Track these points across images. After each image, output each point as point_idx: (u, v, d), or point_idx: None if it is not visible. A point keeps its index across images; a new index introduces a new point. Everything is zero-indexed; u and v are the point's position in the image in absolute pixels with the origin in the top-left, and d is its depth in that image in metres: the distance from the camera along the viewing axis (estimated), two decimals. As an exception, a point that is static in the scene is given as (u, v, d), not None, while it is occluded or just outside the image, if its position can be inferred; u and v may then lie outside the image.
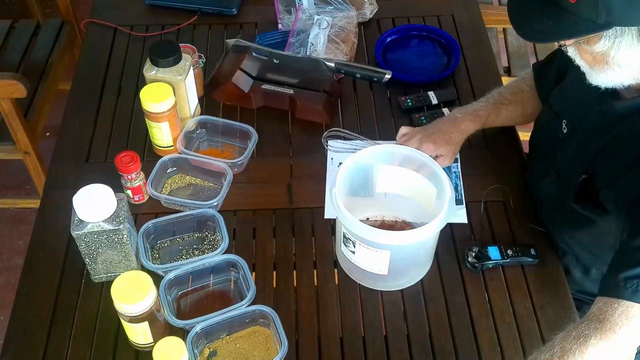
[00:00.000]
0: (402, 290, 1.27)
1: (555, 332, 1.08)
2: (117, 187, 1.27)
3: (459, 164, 1.46)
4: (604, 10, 0.93)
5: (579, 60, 1.07)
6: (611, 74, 1.04)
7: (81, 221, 1.15)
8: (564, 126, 1.27)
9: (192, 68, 1.46)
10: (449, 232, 1.34)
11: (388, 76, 1.54)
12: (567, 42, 1.02)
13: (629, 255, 1.05)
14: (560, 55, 1.36)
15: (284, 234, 1.35)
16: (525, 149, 1.52)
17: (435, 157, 1.36)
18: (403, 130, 1.45)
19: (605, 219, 1.15)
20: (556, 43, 1.06)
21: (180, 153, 1.43)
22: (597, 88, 1.11)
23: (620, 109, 1.12)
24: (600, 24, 0.95)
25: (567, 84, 1.30)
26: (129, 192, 1.35)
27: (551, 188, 1.29)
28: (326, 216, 1.37)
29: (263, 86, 1.56)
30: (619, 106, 1.12)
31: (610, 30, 0.96)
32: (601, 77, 1.07)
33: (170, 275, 1.22)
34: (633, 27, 0.96)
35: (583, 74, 1.11)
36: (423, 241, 1.17)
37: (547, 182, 1.31)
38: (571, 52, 1.07)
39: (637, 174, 1.08)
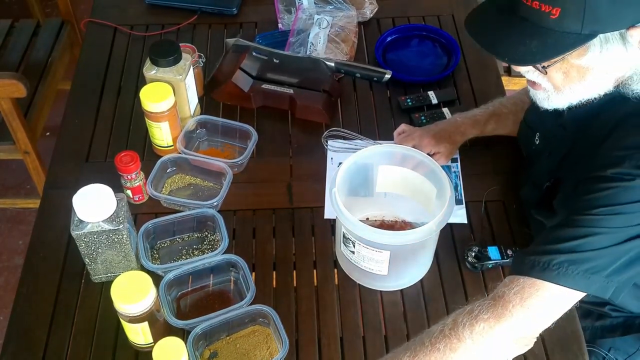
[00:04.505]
0: (402, 290, 1.27)
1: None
2: (117, 187, 1.28)
3: (458, 163, 1.46)
4: (590, 18, 0.93)
5: (545, 84, 1.07)
6: (578, 89, 1.04)
7: (81, 221, 1.15)
8: (536, 138, 1.28)
9: (192, 68, 1.46)
10: (449, 232, 1.34)
11: (388, 76, 1.54)
12: (554, 59, 1.00)
13: (538, 239, 1.05)
14: None
15: (284, 234, 1.35)
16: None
17: (432, 155, 1.37)
18: (402, 127, 1.45)
19: (552, 220, 1.14)
20: (532, 66, 1.04)
21: (180, 153, 1.43)
22: None
23: (571, 118, 1.13)
24: (585, 35, 0.95)
25: None
26: (129, 192, 1.35)
27: (527, 197, 1.31)
28: (326, 216, 1.37)
29: (263, 86, 1.56)
30: (570, 115, 1.13)
31: (596, 39, 0.96)
32: (564, 98, 1.06)
33: (170, 275, 1.22)
34: (615, 32, 0.96)
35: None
36: (423, 241, 1.17)
37: (524, 191, 1.33)
38: (535, 76, 1.07)
39: (576, 175, 1.08)
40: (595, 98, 1.07)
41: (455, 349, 1.00)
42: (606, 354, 1.30)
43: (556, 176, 1.18)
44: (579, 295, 1.01)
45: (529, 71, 1.07)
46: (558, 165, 1.18)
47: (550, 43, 0.96)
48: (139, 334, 1.13)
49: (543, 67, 1.03)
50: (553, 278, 0.99)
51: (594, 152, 1.06)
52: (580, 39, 0.95)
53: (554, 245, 1.00)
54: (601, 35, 0.96)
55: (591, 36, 0.95)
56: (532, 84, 1.10)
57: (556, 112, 1.15)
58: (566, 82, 1.04)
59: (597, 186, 1.00)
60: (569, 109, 1.11)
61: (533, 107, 1.31)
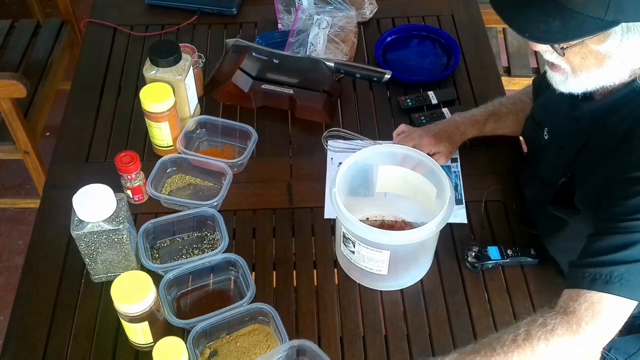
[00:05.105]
0: (402, 290, 1.27)
1: (523, 316, 1.08)
2: (117, 187, 1.28)
3: (458, 163, 1.46)
4: (615, 6, 0.93)
5: (564, 65, 1.07)
6: (595, 75, 1.05)
7: (81, 221, 1.15)
8: (545, 133, 1.28)
9: (191, 68, 1.46)
10: (449, 232, 1.34)
11: (388, 76, 1.54)
12: (573, 42, 1.01)
13: (589, 247, 1.06)
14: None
15: (284, 233, 1.35)
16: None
17: (432, 155, 1.37)
18: (402, 127, 1.45)
19: (576, 219, 1.16)
20: (550, 46, 1.05)
21: (180, 153, 1.43)
22: (567, 96, 1.12)
23: (588, 111, 1.13)
24: (608, 21, 0.95)
25: (547, 93, 1.31)
26: (129, 192, 1.35)
27: (534, 194, 1.31)
28: (326, 216, 1.37)
29: (263, 86, 1.56)
30: (587, 107, 1.13)
31: (617, 27, 0.97)
32: (581, 83, 1.07)
33: (170, 274, 1.22)
34: (638, 23, 0.96)
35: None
36: (423, 241, 1.17)
37: (530, 188, 1.33)
38: (553, 57, 1.07)
39: (601, 172, 1.09)
40: (611, 87, 1.07)
41: None
42: (606, 354, 1.31)
43: (571, 171, 1.17)
44: (634, 304, 1.02)
45: (547, 51, 1.07)
46: (572, 160, 1.18)
47: (572, 25, 0.96)
48: (139, 334, 1.13)
49: (562, 48, 1.03)
50: (617, 290, 1.00)
51: (616, 147, 1.06)
52: (602, 24, 0.96)
53: (610, 255, 1.01)
54: (623, 24, 0.96)
55: (613, 23, 0.96)
56: (551, 65, 1.10)
57: (570, 105, 1.15)
58: (583, 67, 1.05)
59: (638, 188, 1.00)
60: (585, 100, 1.12)
61: (541, 101, 1.31)
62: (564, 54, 1.04)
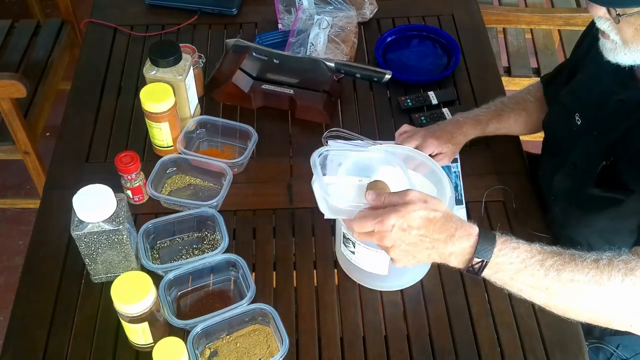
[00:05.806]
0: (402, 290, 1.27)
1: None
2: (117, 187, 1.28)
3: (458, 163, 1.46)
4: None
5: (614, 36, 1.08)
6: None
7: (81, 221, 1.15)
8: (577, 119, 1.27)
9: (192, 68, 1.46)
10: (449, 232, 1.34)
11: (388, 76, 1.54)
12: (630, 10, 1.01)
13: None
14: (570, 64, 1.39)
15: (284, 234, 1.35)
16: (526, 148, 1.53)
17: (435, 156, 1.37)
18: (405, 127, 1.45)
19: (631, 199, 1.15)
20: (607, 11, 1.05)
21: (180, 153, 1.43)
22: (613, 77, 1.13)
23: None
24: None
25: (578, 81, 1.31)
26: (129, 192, 1.35)
27: (566, 180, 1.30)
28: (326, 216, 1.37)
29: (263, 86, 1.56)
30: None
31: None
32: (630, 55, 1.08)
33: (170, 275, 1.22)
34: None
35: (599, 65, 1.12)
36: (423, 241, 1.17)
37: (560, 175, 1.31)
38: (606, 26, 1.08)
39: None
40: None
41: (600, 283, 1.01)
42: (614, 351, 1.31)
43: (614, 154, 1.17)
44: None
45: (601, 18, 1.08)
46: (616, 143, 1.17)
47: None
48: (139, 334, 1.13)
49: (617, 14, 1.04)
50: None
51: None
52: None
53: None
54: None
55: None
56: (602, 33, 1.11)
57: (612, 87, 1.16)
58: (635, 39, 1.06)
59: None
60: (634, 81, 1.12)
61: (572, 87, 1.31)
62: (619, 22, 1.05)
